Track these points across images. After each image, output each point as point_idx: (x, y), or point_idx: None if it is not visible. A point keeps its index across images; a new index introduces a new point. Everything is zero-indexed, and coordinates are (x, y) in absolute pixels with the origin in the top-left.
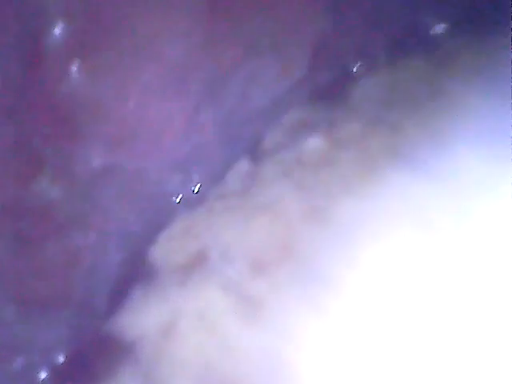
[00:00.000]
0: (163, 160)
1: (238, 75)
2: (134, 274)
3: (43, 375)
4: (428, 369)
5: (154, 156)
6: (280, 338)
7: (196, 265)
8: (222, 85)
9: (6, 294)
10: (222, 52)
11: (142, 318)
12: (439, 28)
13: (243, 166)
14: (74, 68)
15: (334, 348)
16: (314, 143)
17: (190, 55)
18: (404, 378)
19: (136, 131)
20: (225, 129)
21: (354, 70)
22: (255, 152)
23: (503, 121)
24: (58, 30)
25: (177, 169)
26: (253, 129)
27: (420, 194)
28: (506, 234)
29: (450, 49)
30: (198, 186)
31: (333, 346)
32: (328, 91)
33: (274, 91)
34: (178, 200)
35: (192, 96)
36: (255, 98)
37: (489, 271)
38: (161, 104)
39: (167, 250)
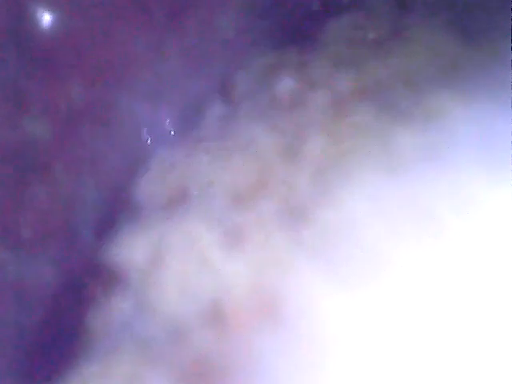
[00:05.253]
0: (134, 91)
1: (203, 4)
2: (120, 211)
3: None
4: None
5: (125, 87)
6: (263, 266)
7: (179, 201)
8: (186, 14)
9: None
10: None
11: (130, 250)
12: None
13: (218, 108)
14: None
15: (312, 275)
16: (286, 84)
17: None
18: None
19: (106, 65)
20: (191, 60)
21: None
22: (229, 95)
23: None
24: None
25: (147, 101)
26: (222, 65)
27: (388, 133)
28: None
29: None
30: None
31: (312, 273)
32: (296, 34)
33: (239, 23)
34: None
35: (155, 25)
36: (221, 29)
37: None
38: (126, 35)
39: (149, 188)
